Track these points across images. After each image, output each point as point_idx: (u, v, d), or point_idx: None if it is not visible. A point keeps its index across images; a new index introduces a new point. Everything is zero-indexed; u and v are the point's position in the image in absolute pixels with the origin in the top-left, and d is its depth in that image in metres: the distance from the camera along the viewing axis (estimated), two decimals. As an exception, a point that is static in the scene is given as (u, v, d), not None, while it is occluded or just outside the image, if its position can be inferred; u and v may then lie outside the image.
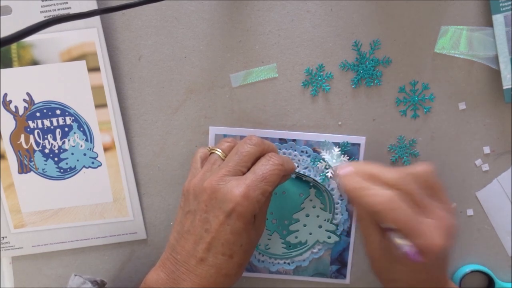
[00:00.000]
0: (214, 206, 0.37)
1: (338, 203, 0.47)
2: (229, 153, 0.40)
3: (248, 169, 0.39)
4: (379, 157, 0.46)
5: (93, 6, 0.43)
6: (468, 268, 0.47)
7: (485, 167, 0.46)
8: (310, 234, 0.47)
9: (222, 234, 0.36)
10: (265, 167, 0.38)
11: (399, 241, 0.34)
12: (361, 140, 0.46)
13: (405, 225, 0.33)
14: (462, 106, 0.45)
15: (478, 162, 0.46)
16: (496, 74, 0.44)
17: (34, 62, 0.44)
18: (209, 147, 0.42)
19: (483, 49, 0.43)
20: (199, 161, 0.41)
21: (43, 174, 0.46)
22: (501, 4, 0.42)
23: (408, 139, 0.46)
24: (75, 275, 0.44)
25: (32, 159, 0.46)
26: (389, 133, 0.46)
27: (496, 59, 0.43)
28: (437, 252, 0.33)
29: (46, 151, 0.46)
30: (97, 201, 0.47)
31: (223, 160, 0.40)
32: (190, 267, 0.37)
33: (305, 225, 0.47)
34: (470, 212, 0.47)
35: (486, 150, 0.46)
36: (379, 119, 0.46)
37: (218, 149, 0.41)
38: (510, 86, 0.43)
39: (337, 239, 0.47)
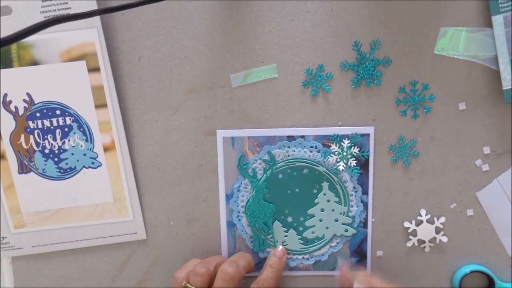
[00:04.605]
0: None
1: (352, 195, 0.47)
2: (203, 284, 0.42)
3: None
4: (379, 157, 0.46)
5: (93, 6, 0.43)
6: (468, 268, 0.47)
7: (485, 167, 0.46)
8: (327, 228, 0.47)
9: None
10: None
11: None
12: (370, 130, 0.46)
13: None
14: (462, 106, 0.45)
15: (478, 162, 0.46)
16: (496, 75, 0.44)
17: (34, 62, 0.44)
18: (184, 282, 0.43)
19: (482, 50, 0.44)
20: None
21: (43, 174, 0.46)
22: (500, 5, 0.42)
23: (408, 139, 0.46)
24: None
25: (32, 159, 0.46)
26: (389, 133, 0.46)
27: (495, 60, 0.43)
28: None
29: (46, 151, 0.46)
30: (97, 201, 0.47)
31: None
32: None
33: (321, 220, 0.47)
34: (470, 212, 0.47)
35: (486, 150, 0.46)
36: (379, 119, 0.46)
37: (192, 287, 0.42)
38: (510, 87, 0.43)
39: (354, 231, 0.47)
